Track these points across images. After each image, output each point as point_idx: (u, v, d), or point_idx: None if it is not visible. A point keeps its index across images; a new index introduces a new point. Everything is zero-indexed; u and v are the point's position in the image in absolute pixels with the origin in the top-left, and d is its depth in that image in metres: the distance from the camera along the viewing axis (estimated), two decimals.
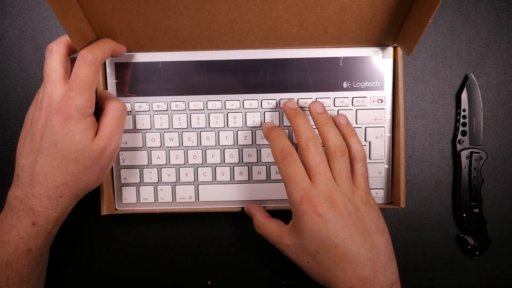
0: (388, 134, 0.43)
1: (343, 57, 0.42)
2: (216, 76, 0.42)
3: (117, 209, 0.44)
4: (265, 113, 0.43)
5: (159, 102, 0.42)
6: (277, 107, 0.43)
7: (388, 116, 0.43)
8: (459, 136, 0.45)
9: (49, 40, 0.45)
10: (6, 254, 0.34)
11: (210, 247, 0.46)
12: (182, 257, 0.46)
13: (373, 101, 0.43)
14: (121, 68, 0.42)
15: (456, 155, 0.46)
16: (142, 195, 0.44)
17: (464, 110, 0.45)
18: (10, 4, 0.45)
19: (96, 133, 0.36)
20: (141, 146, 0.43)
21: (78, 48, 0.36)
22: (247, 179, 0.43)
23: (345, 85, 0.42)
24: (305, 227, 0.34)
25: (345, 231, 0.33)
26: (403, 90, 0.42)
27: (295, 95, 0.42)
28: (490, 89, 0.46)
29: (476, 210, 0.45)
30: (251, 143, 0.43)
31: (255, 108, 0.43)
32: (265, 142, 0.43)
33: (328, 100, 0.42)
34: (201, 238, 0.46)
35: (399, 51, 0.42)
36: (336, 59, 0.42)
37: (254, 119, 0.43)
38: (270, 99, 0.42)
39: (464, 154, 0.45)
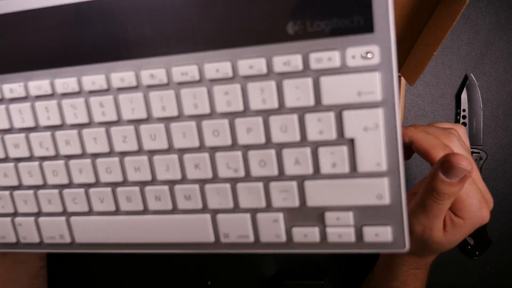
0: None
1: None
2: (60, 33, 0.24)
3: None
4: (150, 93, 0.24)
5: None
6: (169, 84, 0.24)
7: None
8: None
9: None
10: None
11: None
12: (182, 257, 0.46)
13: (353, 57, 0.22)
14: None
15: None
16: None
17: (464, 110, 0.45)
18: None
19: None
20: None
21: None
22: (141, 208, 0.27)
23: (291, 29, 0.22)
24: (458, 234, 0.31)
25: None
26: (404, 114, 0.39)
27: (196, 56, 0.23)
28: (490, 89, 0.46)
29: None
30: (137, 149, 0.26)
31: (132, 86, 0.24)
32: (160, 147, 0.25)
33: (260, 62, 0.23)
34: None
35: (403, 81, 0.40)
36: None
37: (133, 105, 0.25)
38: (153, 69, 0.24)
39: None
